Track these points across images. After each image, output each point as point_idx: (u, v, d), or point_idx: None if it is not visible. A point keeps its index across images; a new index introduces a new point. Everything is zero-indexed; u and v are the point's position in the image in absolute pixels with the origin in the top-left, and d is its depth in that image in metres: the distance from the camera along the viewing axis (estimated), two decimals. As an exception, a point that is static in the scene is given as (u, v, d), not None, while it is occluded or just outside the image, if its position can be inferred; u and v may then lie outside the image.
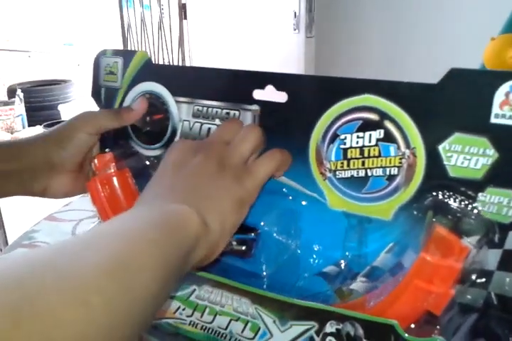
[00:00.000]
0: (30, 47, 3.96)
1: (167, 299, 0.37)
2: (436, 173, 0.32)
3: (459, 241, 0.30)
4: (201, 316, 0.38)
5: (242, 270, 0.38)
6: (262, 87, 0.38)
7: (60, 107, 3.23)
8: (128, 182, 0.44)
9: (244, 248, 0.37)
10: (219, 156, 0.34)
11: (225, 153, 0.34)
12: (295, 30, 2.31)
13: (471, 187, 0.31)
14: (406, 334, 0.29)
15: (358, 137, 0.34)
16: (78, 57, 3.91)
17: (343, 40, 2.37)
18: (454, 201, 0.31)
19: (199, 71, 0.43)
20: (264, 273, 0.37)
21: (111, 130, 0.44)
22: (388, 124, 0.33)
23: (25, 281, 0.20)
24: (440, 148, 0.31)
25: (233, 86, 0.40)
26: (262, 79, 0.38)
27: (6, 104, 3.17)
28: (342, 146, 0.35)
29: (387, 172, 0.34)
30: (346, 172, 0.35)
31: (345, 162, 0.35)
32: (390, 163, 0.34)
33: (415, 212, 0.33)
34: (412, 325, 0.31)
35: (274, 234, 0.38)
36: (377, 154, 0.34)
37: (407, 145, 0.33)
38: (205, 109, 0.42)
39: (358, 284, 0.35)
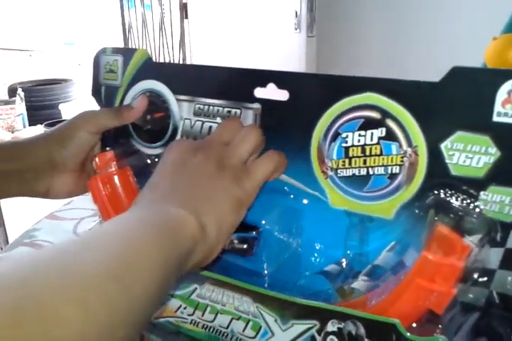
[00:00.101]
0: (31, 47, 3.96)
1: (165, 299, 0.38)
2: (438, 172, 0.32)
3: (460, 239, 0.30)
4: (202, 315, 0.38)
5: (244, 268, 0.38)
6: (264, 85, 0.38)
7: (60, 106, 3.23)
8: (129, 180, 0.44)
9: (245, 246, 0.37)
10: (218, 156, 0.34)
11: (225, 154, 0.34)
12: (296, 29, 2.30)
13: (473, 186, 0.31)
14: (408, 333, 0.29)
15: (359, 135, 0.34)
16: (79, 56, 3.90)
17: (345, 40, 2.37)
18: (456, 200, 0.31)
19: (200, 69, 0.43)
20: (266, 272, 0.37)
21: (111, 129, 0.44)
22: (390, 123, 0.33)
23: (29, 280, 0.20)
24: (442, 146, 0.31)
25: (234, 84, 0.40)
26: (263, 77, 0.38)
27: (6, 103, 3.17)
28: (344, 145, 0.35)
29: (389, 171, 0.34)
30: (348, 170, 0.35)
31: (347, 160, 0.35)
32: (392, 161, 0.33)
33: (417, 211, 0.33)
34: (414, 324, 0.31)
35: (276, 233, 0.38)
36: (378, 152, 0.34)
37: (409, 144, 0.33)
38: (206, 107, 0.41)
39: (360, 283, 0.35)
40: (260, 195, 0.36)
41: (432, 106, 0.32)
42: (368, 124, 0.34)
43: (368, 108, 0.34)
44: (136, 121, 0.45)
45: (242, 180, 0.33)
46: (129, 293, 0.23)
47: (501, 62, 0.79)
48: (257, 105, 0.39)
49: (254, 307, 0.35)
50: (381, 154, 0.34)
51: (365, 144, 0.34)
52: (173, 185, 0.32)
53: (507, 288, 0.31)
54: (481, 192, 0.31)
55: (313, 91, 0.37)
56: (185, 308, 0.39)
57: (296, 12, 2.28)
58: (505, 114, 0.29)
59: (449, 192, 0.32)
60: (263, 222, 0.38)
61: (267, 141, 0.37)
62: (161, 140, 0.45)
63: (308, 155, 0.37)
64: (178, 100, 0.43)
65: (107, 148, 0.45)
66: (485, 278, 0.31)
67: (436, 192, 0.32)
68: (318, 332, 0.33)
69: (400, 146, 0.33)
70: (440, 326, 0.30)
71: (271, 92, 0.38)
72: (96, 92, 0.49)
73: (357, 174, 0.35)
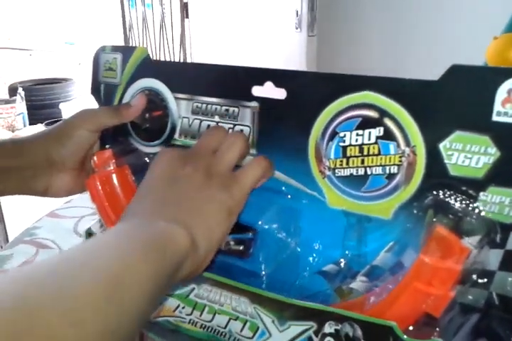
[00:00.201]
0: (31, 46, 3.96)
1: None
2: (436, 172, 0.32)
3: (459, 241, 0.30)
4: (200, 315, 0.38)
5: (241, 269, 0.38)
6: (261, 84, 0.38)
7: (61, 106, 3.23)
8: (127, 179, 0.43)
9: (241, 248, 0.37)
10: (206, 165, 0.34)
11: (212, 162, 0.34)
12: (297, 28, 2.30)
13: (472, 187, 0.31)
14: (405, 336, 0.29)
15: (357, 135, 0.34)
16: (79, 56, 3.91)
17: (345, 39, 2.37)
18: (455, 200, 0.31)
19: (198, 67, 0.43)
20: (264, 272, 0.37)
21: (110, 127, 0.44)
22: (388, 122, 0.33)
23: (26, 301, 0.20)
24: (441, 146, 0.31)
25: (232, 82, 0.40)
26: (261, 75, 0.38)
27: (7, 102, 3.17)
28: (341, 144, 0.35)
29: (387, 171, 0.33)
30: (345, 170, 0.35)
31: (345, 160, 0.35)
32: (390, 161, 0.33)
33: (415, 211, 0.33)
34: (411, 327, 0.30)
35: (273, 233, 0.38)
36: (376, 152, 0.33)
37: (407, 144, 0.32)
38: (204, 105, 0.41)
39: (358, 283, 0.35)
40: (257, 195, 0.35)
41: (431, 106, 0.31)
42: (366, 123, 0.34)
43: (366, 107, 0.33)
44: (134, 120, 0.45)
45: (231, 188, 0.33)
46: (120, 312, 0.23)
47: (502, 62, 0.79)
48: (254, 103, 0.38)
49: (252, 308, 0.35)
50: (379, 154, 0.33)
51: (363, 144, 0.34)
52: (162, 199, 0.32)
53: (507, 289, 0.30)
54: (481, 193, 0.30)
55: (310, 90, 0.36)
56: (183, 308, 0.39)
57: (297, 11, 2.28)
58: (505, 114, 0.29)
59: (448, 192, 0.31)
60: (260, 222, 0.38)
61: (265, 139, 0.37)
62: (159, 138, 0.45)
63: (305, 154, 0.36)
64: (176, 98, 0.43)
65: (107, 146, 0.44)
66: (484, 280, 0.31)
67: (434, 192, 0.32)
68: (316, 333, 0.32)
69: (398, 146, 0.33)
70: (437, 329, 0.30)
71: (268, 91, 0.37)
72: (95, 90, 0.49)
73: (355, 174, 0.35)
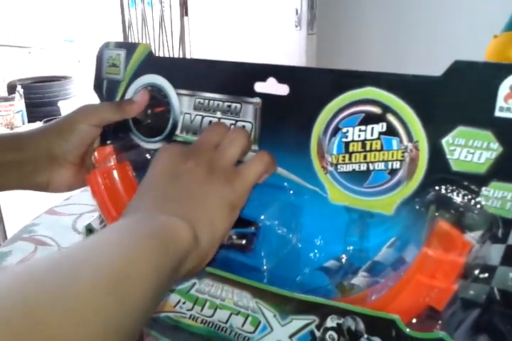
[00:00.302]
0: (30, 44, 3.95)
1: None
2: (439, 167, 0.32)
3: (461, 236, 0.30)
4: (201, 310, 0.38)
5: (243, 264, 0.38)
6: (264, 80, 0.38)
7: (60, 103, 3.23)
8: (128, 175, 0.43)
9: (244, 242, 0.37)
10: (208, 160, 0.34)
11: (214, 157, 0.34)
12: (297, 27, 2.30)
13: (474, 182, 0.31)
14: (407, 329, 0.29)
15: (360, 130, 0.34)
16: (79, 53, 3.90)
17: (345, 37, 2.37)
18: (457, 195, 0.31)
19: (201, 63, 0.43)
20: (265, 267, 0.37)
21: (111, 123, 0.44)
22: (391, 117, 0.33)
23: (29, 300, 0.20)
24: (443, 141, 0.31)
25: (235, 78, 0.40)
26: (263, 71, 0.38)
27: (6, 99, 3.17)
28: (344, 140, 0.35)
29: (389, 166, 0.33)
30: (348, 166, 0.35)
31: (347, 156, 0.35)
32: (392, 156, 0.33)
33: (417, 207, 0.33)
34: (414, 320, 0.30)
35: (275, 228, 0.38)
36: (379, 148, 0.34)
37: (410, 139, 0.32)
38: (206, 101, 0.41)
39: (360, 279, 0.35)
40: (260, 191, 0.35)
41: (434, 101, 0.31)
42: (369, 119, 0.34)
43: (369, 102, 0.34)
44: (136, 116, 0.45)
45: (234, 182, 0.33)
46: (124, 310, 0.23)
47: (502, 60, 0.79)
48: (257, 99, 0.38)
49: (254, 302, 0.35)
50: (381, 149, 0.33)
51: (366, 139, 0.34)
52: (164, 194, 0.32)
53: (508, 284, 0.30)
54: (483, 188, 0.30)
55: (313, 86, 0.36)
56: (184, 303, 0.39)
57: (297, 9, 2.28)
58: (508, 109, 0.29)
59: (450, 187, 0.31)
60: (262, 217, 0.38)
61: (268, 135, 0.37)
62: (160, 134, 0.45)
63: (308, 150, 0.36)
64: (178, 94, 0.43)
65: (108, 142, 0.44)
66: (486, 275, 0.31)
67: (437, 187, 0.32)
68: (318, 327, 0.32)
69: (401, 141, 0.33)
70: (440, 322, 0.30)
71: (271, 87, 0.37)
72: (98, 87, 0.49)
73: (357, 169, 0.35)
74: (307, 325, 0.33)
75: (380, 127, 0.33)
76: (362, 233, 0.36)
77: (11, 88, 3.35)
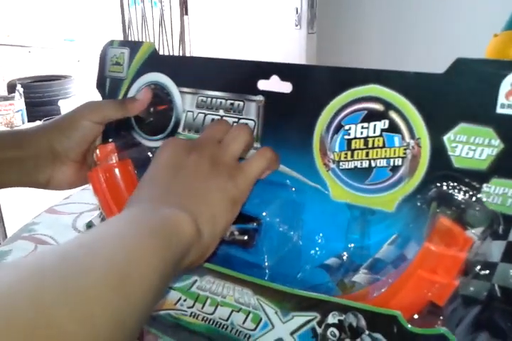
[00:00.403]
0: (30, 43, 3.95)
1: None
2: (440, 164, 0.32)
3: (463, 232, 0.30)
4: (202, 307, 0.38)
5: (244, 261, 0.38)
6: (267, 78, 0.38)
7: (60, 103, 3.23)
8: (130, 172, 0.43)
9: (246, 238, 0.37)
10: (212, 155, 0.34)
11: (218, 152, 0.34)
12: (297, 26, 2.30)
13: (475, 178, 0.31)
14: (409, 325, 0.29)
15: (362, 127, 0.34)
16: (78, 53, 3.90)
17: (345, 37, 2.37)
18: (459, 192, 0.31)
19: (204, 62, 0.43)
20: (266, 264, 0.37)
21: (113, 121, 0.44)
22: (393, 114, 0.33)
23: (37, 296, 0.20)
24: (445, 138, 0.31)
25: (238, 76, 0.40)
26: (266, 69, 0.38)
27: (5, 99, 3.17)
28: (346, 137, 0.35)
29: (391, 163, 0.34)
30: (350, 163, 0.35)
31: (349, 153, 0.35)
32: (394, 153, 0.33)
33: (419, 204, 0.33)
34: (416, 316, 0.31)
35: (276, 225, 0.38)
36: (381, 145, 0.34)
37: (412, 136, 0.33)
38: (209, 99, 0.41)
39: (361, 276, 0.35)
40: (261, 188, 0.36)
41: (436, 98, 0.32)
42: (371, 116, 0.34)
43: (371, 100, 0.34)
44: (138, 114, 0.45)
45: (236, 177, 0.33)
46: (129, 305, 0.23)
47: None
48: (260, 97, 0.39)
49: (255, 299, 0.35)
50: (384, 146, 0.34)
51: (368, 136, 0.34)
52: (167, 186, 0.32)
53: (509, 281, 0.31)
54: (484, 185, 0.31)
55: (316, 84, 0.36)
56: (185, 300, 0.39)
57: (297, 8, 2.28)
58: (509, 106, 0.29)
59: (452, 184, 0.32)
60: (264, 214, 0.38)
61: (270, 133, 0.37)
62: (162, 132, 0.45)
63: (310, 147, 0.37)
64: (181, 92, 0.43)
65: (110, 140, 0.45)
66: (487, 271, 0.31)
67: (438, 184, 0.32)
68: (319, 324, 0.32)
69: (403, 138, 0.33)
70: (442, 318, 0.30)
71: (274, 84, 0.37)
72: (100, 85, 0.49)
73: (359, 166, 0.35)
74: (308, 321, 0.33)
75: (383, 124, 0.33)
76: (363, 230, 0.36)
77: (11, 87, 3.35)
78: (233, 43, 2.47)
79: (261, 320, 0.35)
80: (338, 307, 0.32)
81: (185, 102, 0.43)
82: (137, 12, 2.75)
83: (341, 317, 0.31)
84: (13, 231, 0.69)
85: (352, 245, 0.36)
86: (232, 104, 0.40)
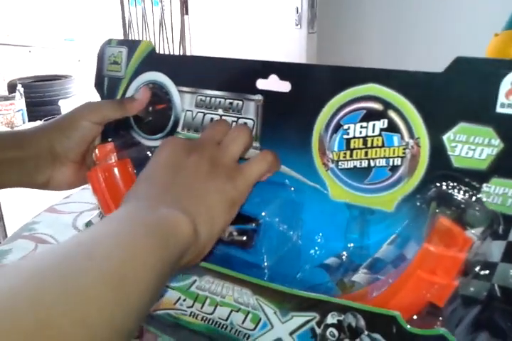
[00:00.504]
0: (30, 43, 3.95)
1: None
2: (440, 164, 0.32)
3: (462, 232, 0.30)
4: (202, 307, 0.38)
5: (244, 261, 0.38)
6: (266, 77, 0.38)
7: (60, 102, 3.23)
8: (129, 172, 0.43)
9: (244, 238, 0.37)
10: (211, 156, 0.34)
11: (217, 153, 0.34)
12: (297, 25, 2.30)
13: (475, 178, 0.31)
14: (408, 326, 0.29)
15: (361, 127, 0.34)
16: (79, 52, 3.90)
17: (345, 36, 2.37)
18: (458, 192, 0.31)
19: (202, 61, 0.43)
20: (266, 264, 0.37)
21: (112, 120, 0.44)
22: (392, 114, 0.33)
23: (36, 298, 0.20)
24: (444, 138, 0.31)
25: (236, 76, 0.40)
26: (265, 68, 0.38)
27: (6, 98, 3.17)
28: (345, 136, 0.35)
29: (391, 163, 0.33)
30: (349, 162, 0.35)
31: (348, 152, 0.35)
32: (394, 153, 0.33)
33: (418, 204, 0.33)
34: (415, 317, 0.30)
35: (276, 225, 0.38)
36: (380, 144, 0.34)
37: (411, 135, 0.32)
38: (208, 99, 0.41)
39: (360, 276, 0.35)
40: (261, 188, 0.35)
41: (435, 98, 0.31)
42: (370, 116, 0.34)
43: (370, 99, 0.34)
44: (137, 113, 0.45)
45: (235, 179, 0.33)
46: (126, 306, 0.23)
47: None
48: (258, 97, 0.38)
49: (254, 299, 0.35)
50: (383, 146, 0.33)
51: (367, 136, 0.34)
52: (165, 185, 0.32)
53: (509, 281, 0.31)
54: (484, 185, 0.30)
55: (315, 83, 0.36)
56: (184, 300, 0.38)
57: (297, 8, 2.28)
58: (509, 105, 0.29)
59: (451, 184, 0.31)
60: (263, 214, 0.38)
61: (269, 132, 0.37)
62: (161, 132, 0.45)
63: (309, 147, 0.36)
64: (180, 92, 0.43)
65: (109, 139, 0.44)
66: (487, 271, 0.31)
67: (438, 184, 0.32)
68: (318, 324, 0.32)
69: (402, 138, 0.33)
70: (441, 318, 0.30)
71: (273, 84, 0.37)
72: (99, 84, 0.49)
73: (358, 166, 0.35)
74: (308, 321, 0.33)
75: (382, 124, 0.33)
76: (362, 230, 0.36)
77: (12, 87, 3.35)
78: (233, 43, 2.47)
79: (260, 320, 0.35)
80: (337, 307, 0.32)
81: (184, 101, 0.43)
82: (138, 11, 2.75)
83: (340, 318, 0.31)
84: (14, 231, 0.69)
85: (351, 245, 0.36)
86: (231, 103, 0.40)
